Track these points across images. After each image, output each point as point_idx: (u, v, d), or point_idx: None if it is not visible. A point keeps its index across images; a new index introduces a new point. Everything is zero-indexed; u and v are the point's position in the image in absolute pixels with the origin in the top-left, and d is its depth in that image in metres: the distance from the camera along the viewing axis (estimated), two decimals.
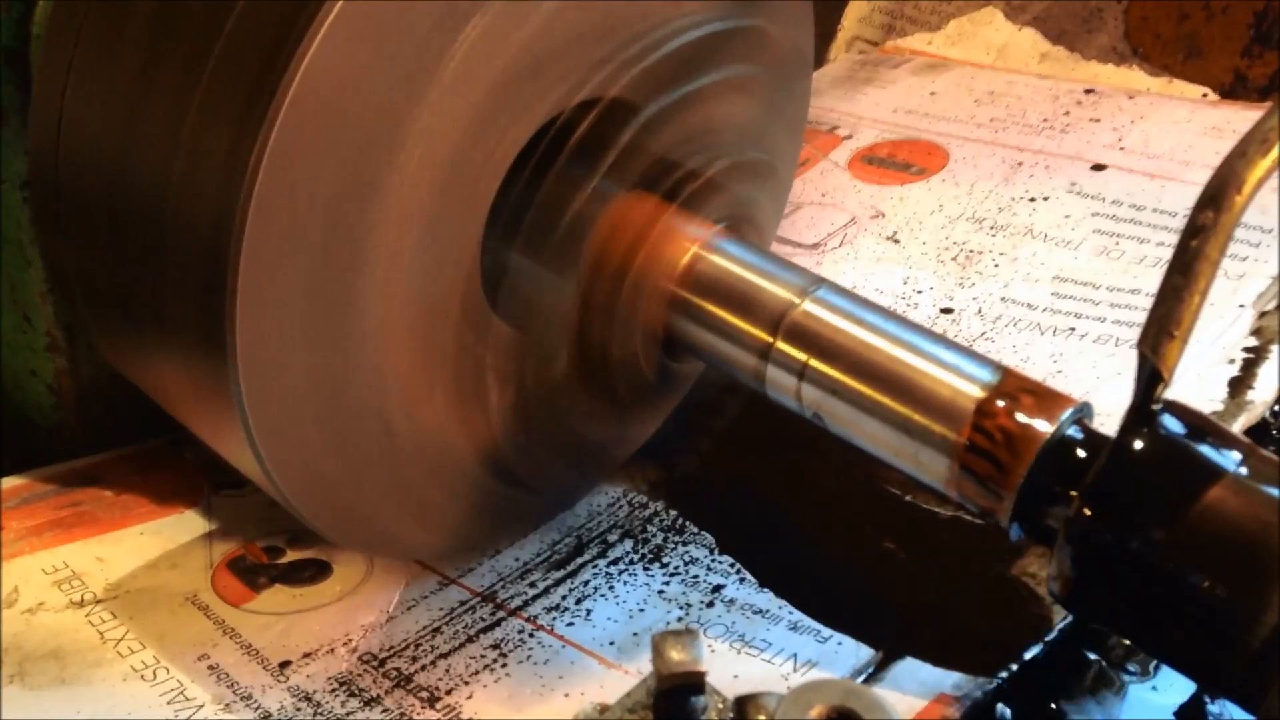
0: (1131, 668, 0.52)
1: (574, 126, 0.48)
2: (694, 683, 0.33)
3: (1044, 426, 0.44)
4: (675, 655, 0.33)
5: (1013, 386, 0.46)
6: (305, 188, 0.42)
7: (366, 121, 0.43)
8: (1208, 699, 0.51)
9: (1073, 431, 0.45)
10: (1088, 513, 0.42)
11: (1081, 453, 0.44)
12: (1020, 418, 0.45)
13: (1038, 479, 0.44)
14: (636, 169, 0.50)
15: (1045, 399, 0.45)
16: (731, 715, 0.36)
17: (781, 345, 0.49)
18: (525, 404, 0.52)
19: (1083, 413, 0.46)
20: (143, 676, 0.52)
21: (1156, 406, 0.41)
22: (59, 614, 0.55)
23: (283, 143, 0.41)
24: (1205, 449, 0.41)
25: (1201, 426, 0.42)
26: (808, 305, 0.50)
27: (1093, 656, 0.50)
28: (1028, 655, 0.49)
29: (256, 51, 0.42)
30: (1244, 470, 0.40)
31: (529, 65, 0.46)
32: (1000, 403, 0.45)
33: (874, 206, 0.82)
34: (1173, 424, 0.42)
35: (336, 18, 0.40)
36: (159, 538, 0.60)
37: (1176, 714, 0.50)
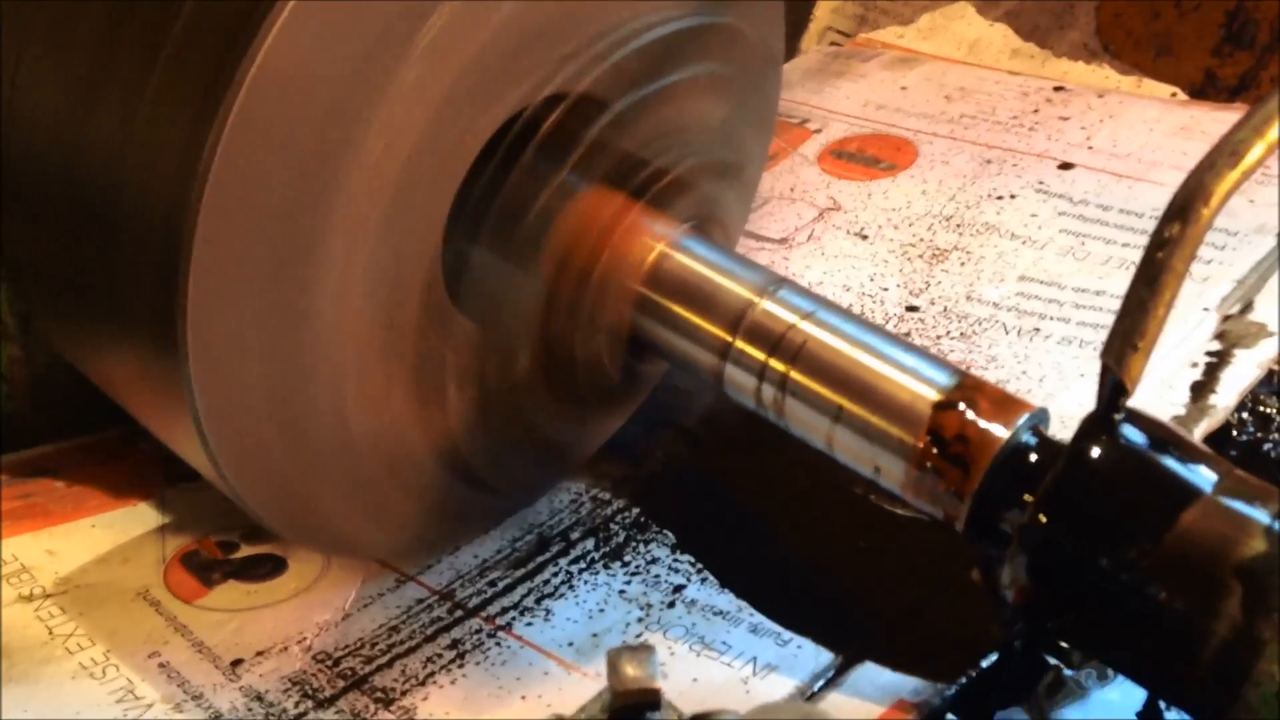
0: (1089, 673, 0.52)
1: (540, 121, 0.48)
2: (649, 700, 0.33)
3: (1000, 432, 0.44)
4: (630, 671, 0.32)
5: (970, 390, 0.46)
6: (263, 176, 0.41)
7: (327, 110, 0.42)
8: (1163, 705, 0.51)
9: (1028, 438, 0.44)
10: (1043, 519, 0.42)
11: (1038, 459, 0.44)
12: (977, 422, 0.45)
13: (994, 484, 0.44)
14: (603, 166, 0.50)
15: (1002, 404, 0.45)
16: None
17: (740, 345, 0.49)
18: (486, 402, 0.51)
19: (1039, 418, 0.45)
20: (91, 674, 0.51)
21: (1119, 416, 0.40)
22: (7, 608, 0.54)
23: (239, 130, 0.40)
24: (1164, 458, 0.41)
25: (1162, 436, 0.42)
26: (767, 304, 0.49)
27: (1052, 662, 0.50)
28: (985, 662, 0.49)
29: (215, 36, 0.41)
30: (1202, 482, 0.40)
31: (496, 56, 0.45)
32: (957, 407, 0.45)
33: (842, 202, 0.82)
34: (1132, 433, 0.42)
35: (298, 3, 0.40)
36: (111, 531, 0.59)
37: (1138, 715, 0.50)
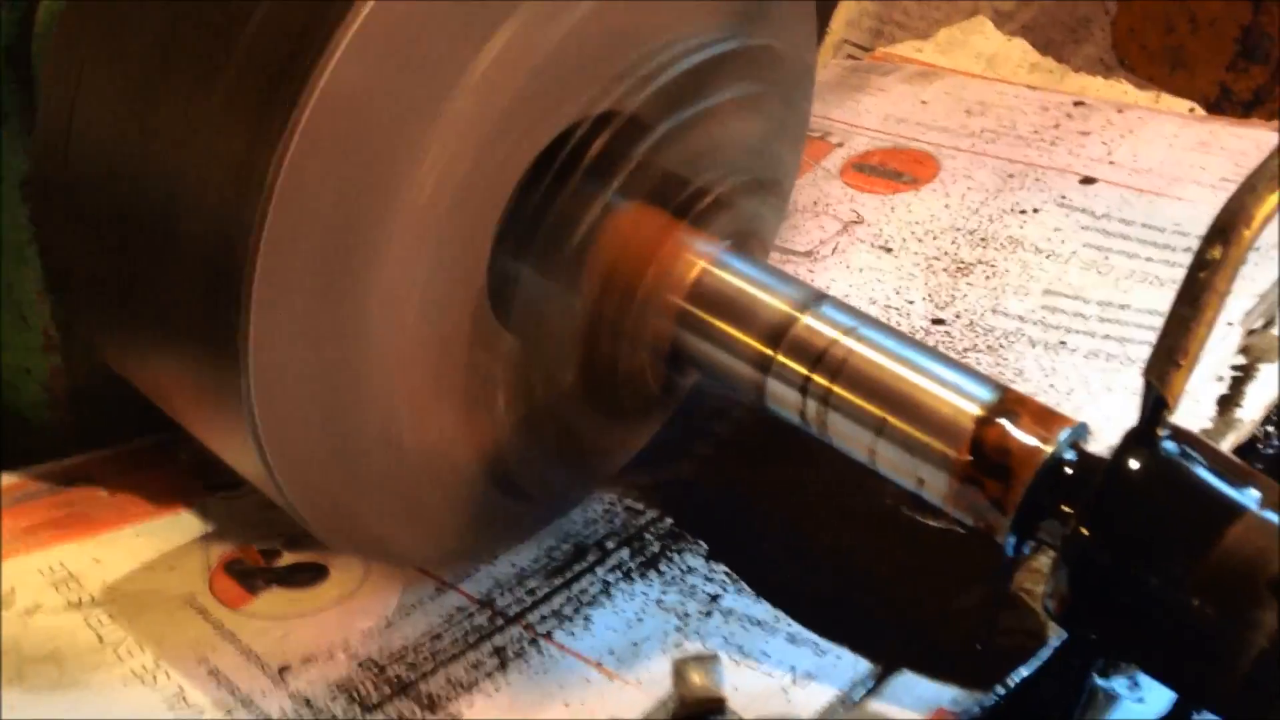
0: (1123, 680, 0.53)
1: (587, 142, 0.49)
2: (715, 708, 0.34)
3: (1042, 445, 0.45)
4: (697, 680, 0.33)
5: (1012, 405, 0.46)
6: (321, 197, 0.42)
7: (385, 132, 0.43)
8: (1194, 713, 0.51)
9: (1069, 452, 0.45)
10: (1085, 532, 0.43)
11: (1080, 473, 0.45)
12: (1019, 436, 0.45)
13: (1036, 498, 0.45)
14: (647, 185, 0.51)
15: (1044, 418, 0.46)
16: None
17: (783, 360, 0.50)
18: (532, 416, 0.52)
19: (1080, 433, 0.46)
20: (142, 680, 0.52)
21: (1163, 432, 0.41)
22: (57, 615, 0.55)
23: (300, 154, 0.41)
24: (1204, 473, 0.42)
25: (1202, 451, 0.43)
26: (809, 320, 0.50)
27: (1088, 670, 0.51)
28: (1023, 670, 0.50)
29: (276, 58, 0.42)
30: (1243, 496, 0.41)
31: (547, 79, 0.46)
32: (1000, 421, 0.46)
33: (865, 215, 0.83)
34: (1173, 448, 0.43)
35: (359, 28, 0.40)
36: (155, 539, 0.60)
37: None
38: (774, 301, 0.51)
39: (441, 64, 0.43)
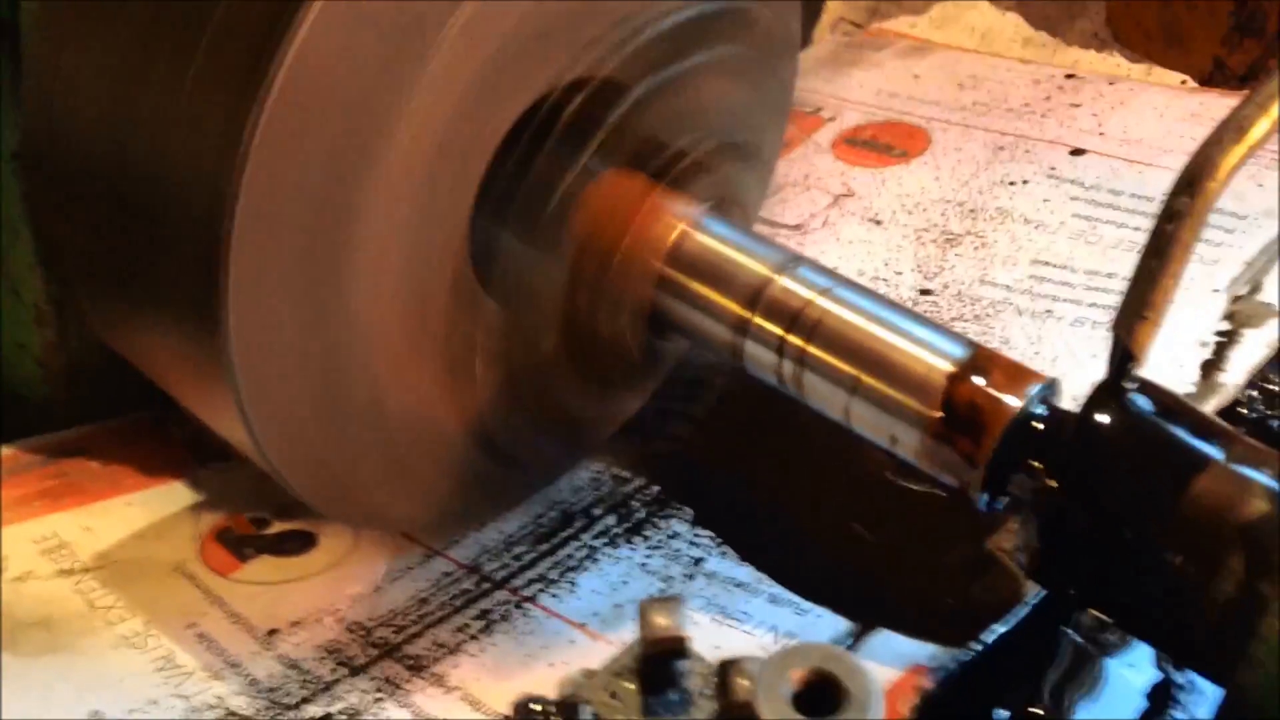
0: (1103, 640, 0.53)
1: (563, 106, 0.49)
2: (678, 647, 0.34)
3: (1013, 401, 0.45)
4: (660, 620, 0.34)
5: (983, 362, 0.47)
6: (299, 163, 0.43)
7: (360, 97, 0.43)
8: (1174, 674, 0.52)
9: (1040, 407, 0.46)
10: (1053, 485, 0.44)
11: (1050, 427, 0.45)
12: (990, 392, 0.46)
13: (1007, 452, 0.45)
14: (625, 149, 0.51)
15: (1014, 374, 0.46)
16: (715, 679, 0.37)
17: (759, 320, 0.50)
18: (514, 381, 0.53)
19: (1050, 389, 0.47)
20: (132, 644, 0.52)
21: (1131, 385, 0.42)
22: (47, 582, 0.56)
23: (276, 118, 0.41)
24: (1171, 426, 0.43)
25: (1170, 405, 0.43)
26: (785, 281, 0.50)
27: (1066, 630, 0.52)
28: (999, 628, 0.50)
29: (253, 26, 0.42)
30: (1209, 448, 0.42)
31: (521, 44, 0.47)
32: (971, 378, 0.46)
33: (856, 188, 0.83)
34: (1142, 402, 0.43)
35: None
36: (146, 509, 0.60)
37: (1148, 696, 0.51)
38: (751, 264, 0.51)
39: (415, 27, 0.44)
